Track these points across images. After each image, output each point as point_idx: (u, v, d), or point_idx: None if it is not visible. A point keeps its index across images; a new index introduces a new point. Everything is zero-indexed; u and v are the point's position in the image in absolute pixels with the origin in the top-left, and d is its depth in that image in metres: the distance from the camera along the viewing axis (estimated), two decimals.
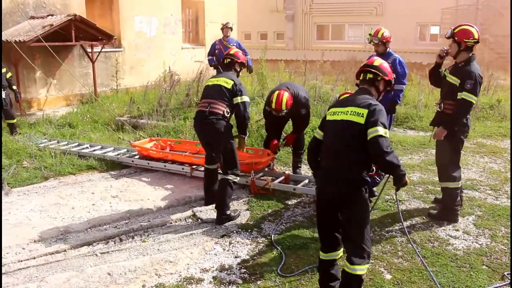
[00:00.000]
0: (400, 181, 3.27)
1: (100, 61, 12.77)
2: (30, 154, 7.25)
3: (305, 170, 6.75)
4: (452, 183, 4.94)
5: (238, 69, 5.43)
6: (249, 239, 4.67)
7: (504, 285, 3.81)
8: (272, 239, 4.61)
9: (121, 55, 13.90)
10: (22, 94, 10.75)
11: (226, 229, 4.91)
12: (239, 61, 5.37)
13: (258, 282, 3.87)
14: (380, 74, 3.41)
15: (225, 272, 4.05)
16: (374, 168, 3.98)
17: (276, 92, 5.74)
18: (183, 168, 6.53)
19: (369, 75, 3.43)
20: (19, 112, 10.36)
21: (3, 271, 4.06)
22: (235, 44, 9.50)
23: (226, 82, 5.14)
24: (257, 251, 4.43)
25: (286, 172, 6.33)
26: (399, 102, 6.49)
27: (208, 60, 10.16)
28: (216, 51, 9.91)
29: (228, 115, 5.13)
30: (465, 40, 4.67)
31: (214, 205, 5.25)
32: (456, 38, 4.71)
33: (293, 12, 28.22)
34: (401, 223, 4.98)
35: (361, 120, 3.17)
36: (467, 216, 5.14)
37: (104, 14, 13.76)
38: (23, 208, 5.47)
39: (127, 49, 14.16)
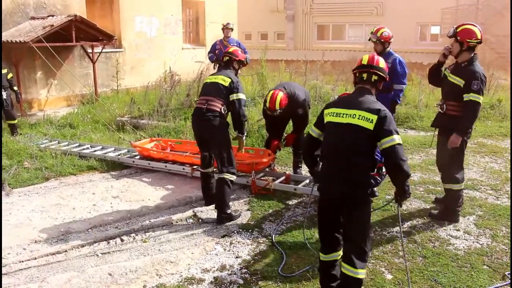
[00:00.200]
0: (404, 193, 3.26)
1: (100, 61, 12.78)
2: (31, 155, 7.26)
3: (306, 170, 6.75)
4: (455, 185, 4.91)
5: (237, 67, 5.45)
6: (250, 239, 4.67)
7: (505, 285, 3.80)
8: (273, 239, 4.61)
9: (122, 56, 13.91)
10: (23, 94, 10.76)
11: (227, 229, 4.92)
12: (237, 59, 5.39)
13: (259, 282, 3.87)
14: (384, 76, 3.36)
15: (226, 272, 4.06)
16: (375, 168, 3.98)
17: (271, 92, 5.79)
18: (183, 169, 6.53)
19: (375, 77, 3.34)
20: (20, 112, 10.37)
21: (4, 271, 4.07)
22: (235, 44, 9.51)
23: (223, 79, 5.18)
24: (258, 251, 4.43)
25: (287, 172, 6.34)
26: (399, 102, 6.49)
27: (209, 57, 10.21)
28: (217, 51, 9.95)
29: (225, 113, 5.17)
30: (467, 40, 4.60)
31: (214, 205, 5.25)
32: (458, 38, 4.64)
33: (294, 12, 28.23)
34: (402, 223, 4.99)
35: (370, 126, 3.12)
36: (468, 216, 5.14)
37: (104, 15, 13.77)
38: (24, 209, 5.47)
39: (128, 50, 14.17)
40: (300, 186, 5.80)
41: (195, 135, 5.49)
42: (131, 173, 6.85)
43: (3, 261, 4.22)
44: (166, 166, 6.68)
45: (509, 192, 5.82)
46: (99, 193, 5.98)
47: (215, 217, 5.17)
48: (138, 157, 7.11)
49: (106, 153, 7.39)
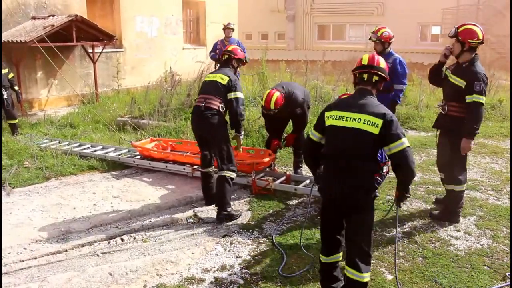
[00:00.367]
0: (407, 193, 3.29)
1: (101, 61, 12.79)
2: (31, 154, 7.26)
3: (306, 170, 6.74)
4: (458, 186, 4.90)
5: (236, 65, 5.46)
6: (250, 239, 4.67)
7: (506, 285, 3.80)
8: (273, 239, 4.61)
9: (122, 56, 13.92)
10: (24, 94, 10.77)
11: (227, 229, 4.92)
12: (236, 57, 5.40)
13: (259, 282, 3.87)
14: (385, 77, 3.31)
15: (226, 272, 4.05)
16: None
17: (267, 91, 5.82)
18: (184, 169, 6.53)
19: (375, 78, 3.28)
20: (21, 112, 10.38)
21: (4, 271, 4.07)
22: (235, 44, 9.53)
23: (221, 78, 5.20)
24: (258, 251, 4.43)
25: (287, 172, 6.34)
26: (399, 102, 6.49)
27: (211, 56, 10.22)
28: (217, 51, 9.95)
29: (223, 111, 5.19)
30: (469, 40, 4.56)
31: (215, 205, 5.26)
32: (459, 38, 4.59)
33: (294, 12, 28.23)
34: (400, 224, 4.98)
35: (375, 131, 3.07)
36: (468, 216, 5.14)
37: (105, 15, 13.78)
38: (24, 208, 5.48)
39: (128, 50, 14.18)
40: (300, 186, 5.80)
41: (195, 134, 5.52)
42: (132, 173, 6.85)
43: (4, 260, 4.22)
44: (166, 166, 6.68)
45: (510, 192, 5.82)
46: (99, 193, 5.98)
47: (216, 217, 5.17)
48: (138, 157, 7.12)
49: (106, 153, 7.40)
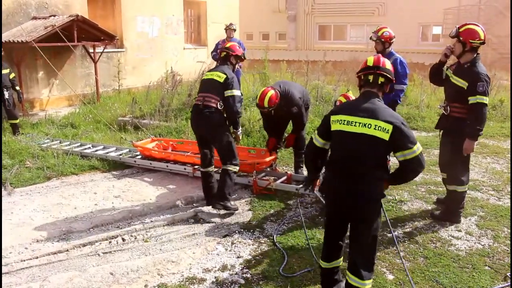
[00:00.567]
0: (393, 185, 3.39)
1: (102, 61, 12.78)
2: (32, 154, 7.27)
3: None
4: (460, 187, 4.88)
5: (234, 62, 5.47)
6: (251, 239, 4.67)
7: (506, 286, 3.80)
8: (274, 239, 4.61)
9: (123, 56, 13.92)
10: (25, 94, 10.77)
11: (228, 229, 4.92)
12: (234, 54, 5.41)
13: (260, 282, 3.87)
14: (391, 78, 3.21)
15: (227, 272, 4.06)
16: None
17: (262, 89, 5.86)
18: (185, 168, 6.54)
19: (381, 79, 3.18)
20: (22, 112, 10.39)
21: (6, 270, 4.08)
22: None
23: (218, 76, 5.23)
24: (259, 251, 4.43)
25: (288, 172, 6.33)
26: (399, 102, 6.49)
27: (212, 56, 10.22)
28: (219, 51, 9.94)
29: (222, 108, 5.21)
30: (470, 40, 4.53)
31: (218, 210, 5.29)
32: (461, 38, 4.56)
33: (295, 12, 28.23)
34: (401, 224, 4.98)
35: (386, 137, 2.98)
36: (469, 216, 5.13)
37: (106, 15, 13.78)
38: (25, 208, 5.48)
39: (129, 50, 14.18)
40: (302, 186, 5.79)
41: (194, 132, 5.54)
42: (133, 172, 6.85)
43: (5, 260, 4.23)
44: (167, 166, 6.68)
45: (510, 193, 5.81)
46: (100, 193, 5.99)
47: (217, 217, 5.18)
48: (139, 156, 7.12)
49: (107, 152, 7.40)
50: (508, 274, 3.93)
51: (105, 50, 12.65)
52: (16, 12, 11.04)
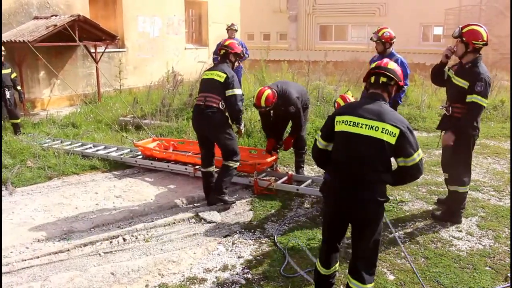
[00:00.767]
0: None
1: (103, 61, 12.80)
2: (33, 154, 7.28)
3: (308, 170, 6.76)
4: (461, 187, 4.88)
5: (233, 60, 5.48)
6: (252, 240, 4.67)
7: (507, 286, 3.79)
8: (275, 239, 4.61)
9: (125, 56, 13.93)
10: (26, 94, 10.79)
11: (229, 229, 4.92)
12: (233, 51, 5.42)
13: (261, 283, 3.87)
14: (395, 79, 3.14)
15: (228, 272, 4.06)
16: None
17: (259, 89, 5.89)
18: (186, 168, 6.54)
19: (383, 79, 3.13)
20: (23, 112, 10.40)
21: (7, 270, 4.08)
22: None
23: (218, 75, 5.24)
24: (260, 251, 4.43)
25: (289, 172, 6.34)
26: (400, 102, 6.50)
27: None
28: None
29: (223, 108, 5.25)
30: (473, 41, 4.51)
31: (217, 205, 5.29)
32: (464, 39, 4.55)
33: (296, 12, 28.22)
34: (402, 224, 4.98)
35: (392, 140, 2.94)
36: (470, 217, 5.13)
37: (107, 15, 13.80)
38: (27, 208, 5.49)
39: (131, 50, 14.19)
40: (302, 186, 5.80)
41: (196, 132, 5.56)
42: (134, 172, 6.86)
43: (6, 259, 4.23)
44: (168, 166, 6.69)
45: (510, 193, 5.81)
46: (101, 193, 6.00)
47: (218, 217, 5.18)
48: (140, 157, 7.13)
49: (108, 152, 7.41)
50: (509, 274, 3.92)
51: (107, 50, 12.65)
52: (18, 12, 11.05)
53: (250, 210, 5.43)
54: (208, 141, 5.38)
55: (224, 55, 5.44)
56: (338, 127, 3.12)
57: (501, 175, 6.58)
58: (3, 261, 4.19)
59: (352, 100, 5.25)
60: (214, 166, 5.51)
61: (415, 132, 9.46)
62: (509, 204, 5.47)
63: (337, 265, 3.41)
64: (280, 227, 4.91)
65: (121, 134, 8.53)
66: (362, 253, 3.14)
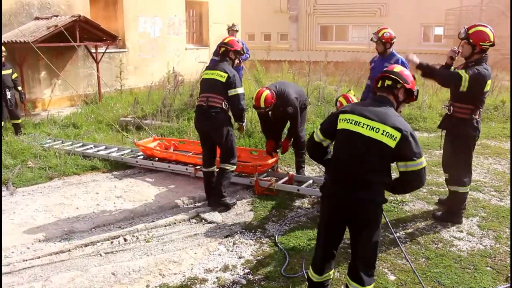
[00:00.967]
0: None
1: (104, 61, 12.81)
2: (34, 154, 7.29)
3: (309, 170, 6.76)
4: (462, 187, 4.89)
5: (233, 57, 5.46)
6: (253, 240, 4.67)
7: (508, 286, 3.79)
8: (276, 239, 4.62)
9: (125, 56, 13.94)
10: (27, 94, 10.80)
11: (230, 229, 4.92)
12: (233, 49, 5.40)
13: (262, 283, 3.87)
14: (400, 81, 3.10)
15: (229, 272, 4.06)
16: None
17: (258, 90, 5.90)
18: (187, 169, 6.54)
19: (388, 82, 3.13)
20: (24, 112, 10.41)
21: (8, 270, 4.09)
22: None
23: (220, 75, 5.23)
24: (261, 251, 4.43)
25: (290, 172, 6.34)
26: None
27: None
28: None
29: (226, 108, 5.27)
30: (480, 43, 4.49)
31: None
32: (471, 40, 4.53)
33: (297, 12, 28.22)
34: (403, 225, 4.98)
35: (392, 144, 2.93)
36: (471, 217, 5.13)
37: (108, 15, 13.80)
38: (27, 208, 5.50)
39: (131, 50, 14.20)
40: (303, 186, 5.81)
41: (199, 132, 5.55)
42: (135, 173, 6.87)
43: (7, 259, 4.24)
44: (169, 166, 6.69)
45: (510, 193, 5.81)
46: (102, 193, 6.00)
47: (219, 217, 5.19)
48: (141, 157, 7.13)
49: (109, 153, 7.41)
50: (510, 275, 3.92)
51: (107, 51, 12.66)
52: (19, 13, 11.07)
53: (251, 210, 5.43)
54: (210, 141, 5.38)
55: (224, 53, 5.43)
56: (341, 125, 3.12)
57: (502, 175, 6.57)
58: (4, 261, 4.20)
59: (355, 99, 5.27)
60: (215, 166, 5.52)
61: (415, 133, 9.47)
62: (510, 204, 5.46)
63: (331, 272, 3.34)
64: (281, 227, 4.91)
65: (122, 134, 8.54)
66: (362, 254, 3.12)
